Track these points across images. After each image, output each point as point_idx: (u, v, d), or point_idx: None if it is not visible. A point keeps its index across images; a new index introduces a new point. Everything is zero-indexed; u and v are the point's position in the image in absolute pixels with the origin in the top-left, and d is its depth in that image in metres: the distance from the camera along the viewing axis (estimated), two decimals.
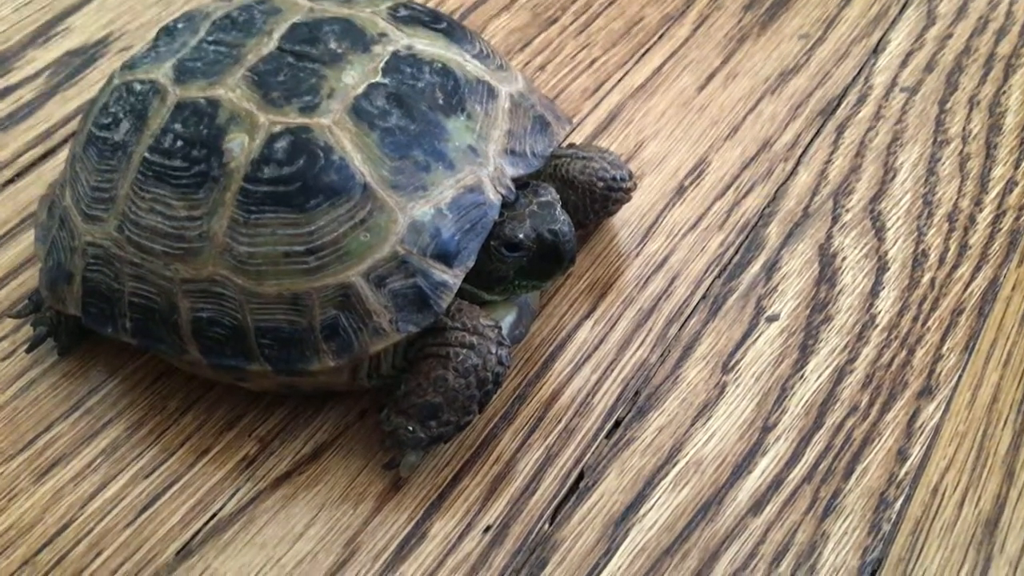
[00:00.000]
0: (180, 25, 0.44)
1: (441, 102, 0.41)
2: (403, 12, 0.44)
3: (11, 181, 0.54)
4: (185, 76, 0.41)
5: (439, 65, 0.42)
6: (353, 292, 0.39)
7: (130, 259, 0.40)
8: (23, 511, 0.42)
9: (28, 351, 0.47)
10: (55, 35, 0.62)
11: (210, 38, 0.42)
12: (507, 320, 0.44)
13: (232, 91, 0.39)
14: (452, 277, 0.39)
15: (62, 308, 0.44)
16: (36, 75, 0.60)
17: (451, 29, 0.45)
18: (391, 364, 0.42)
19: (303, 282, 0.39)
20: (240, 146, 0.38)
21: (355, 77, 0.40)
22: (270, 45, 0.41)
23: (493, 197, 0.41)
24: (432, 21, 0.45)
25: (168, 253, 0.40)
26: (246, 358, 0.40)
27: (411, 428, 0.40)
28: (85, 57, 0.61)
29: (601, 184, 0.48)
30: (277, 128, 0.38)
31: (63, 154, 0.55)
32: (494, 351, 0.40)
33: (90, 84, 0.59)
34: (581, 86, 0.58)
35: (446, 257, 0.39)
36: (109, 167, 0.41)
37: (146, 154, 0.40)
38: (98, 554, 0.40)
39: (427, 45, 0.43)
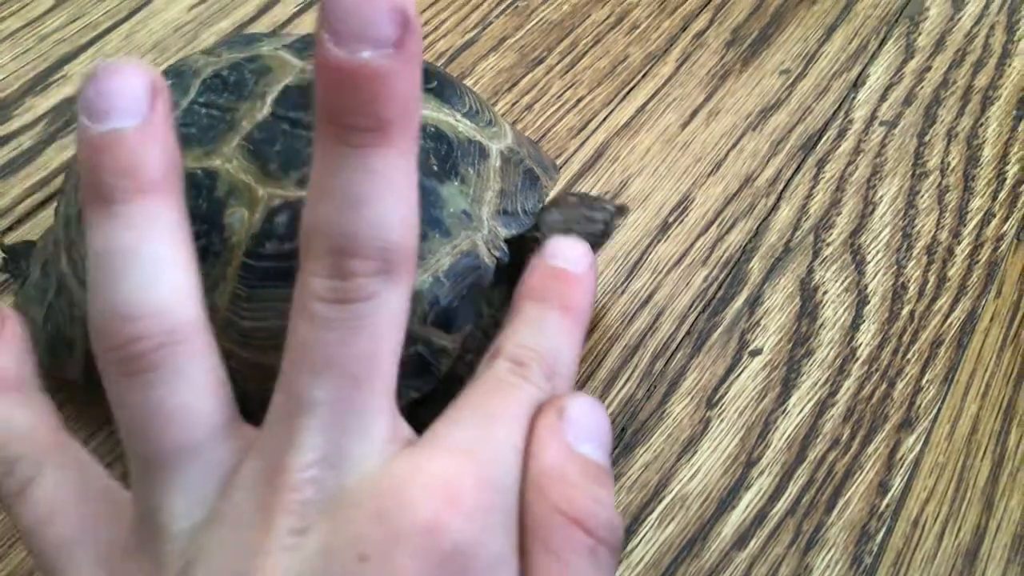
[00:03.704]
0: (170, 82, 0.43)
1: (436, 168, 0.41)
2: None
3: (10, 228, 0.56)
4: (180, 143, 0.41)
5: (432, 129, 0.42)
6: None
7: None
8: (22, 558, 0.42)
9: None
10: (53, 82, 0.63)
11: (201, 99, 0.41)
12: None
13: (229, 161, 0.39)
14: (451, 343, 0.40)
15: (61, 374, 0.44)
16: (35, 122, 0.61)
17: (441, 87, 0.45)
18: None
19: None
20: (240, 220, 0.38)
21: None
22: (264, 111, 0.40)
23: (488, 260, 0.41)
24: (423, 80, 0.45)
25: None
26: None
27: None
28: None
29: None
30: (276, 202, 0.37)
31: None
32: None
33: None
34: (567, 125, 0.60)
35: (446, 324, 0.40)
36: None
37: None
38: None
39: None
